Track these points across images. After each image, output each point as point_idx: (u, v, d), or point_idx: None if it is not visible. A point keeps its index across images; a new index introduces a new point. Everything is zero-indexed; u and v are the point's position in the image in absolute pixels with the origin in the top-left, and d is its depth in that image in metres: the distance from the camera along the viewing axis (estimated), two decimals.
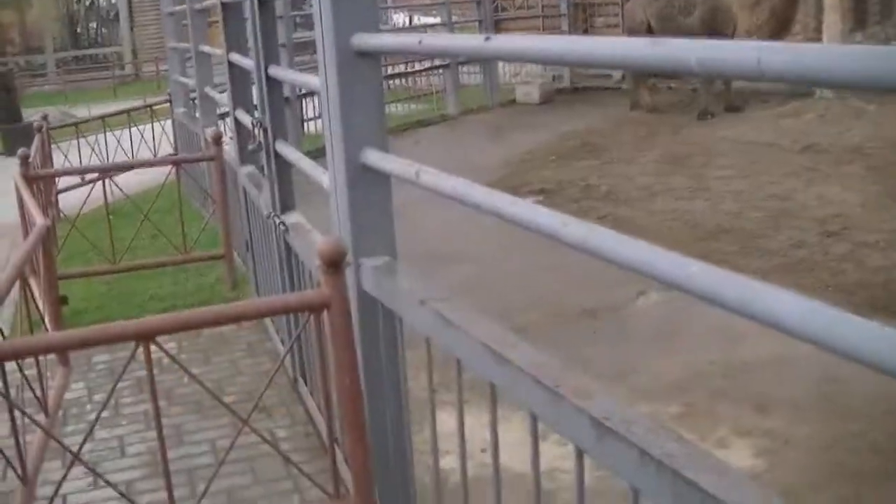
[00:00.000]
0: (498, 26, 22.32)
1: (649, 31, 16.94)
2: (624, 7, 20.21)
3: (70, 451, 4.05)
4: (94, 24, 48.98)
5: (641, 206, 10.66)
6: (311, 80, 4.38)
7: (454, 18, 21.63)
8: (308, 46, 17.55)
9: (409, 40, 3.72)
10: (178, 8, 13.21)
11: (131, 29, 43.06)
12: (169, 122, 14.72)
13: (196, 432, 5.66)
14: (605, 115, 17.33)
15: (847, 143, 12.71)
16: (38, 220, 5.86)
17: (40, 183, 8.74)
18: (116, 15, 45.77)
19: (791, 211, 9.86)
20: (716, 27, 16.13)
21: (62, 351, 5.20)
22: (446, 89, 20.18)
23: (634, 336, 6.97)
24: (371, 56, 3.65)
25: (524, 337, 2.89)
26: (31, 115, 23.19)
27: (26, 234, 7.53)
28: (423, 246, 9.11)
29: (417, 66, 21.51)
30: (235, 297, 8.03)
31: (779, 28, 15.84)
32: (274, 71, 5.52)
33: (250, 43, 5.96)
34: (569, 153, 14.20)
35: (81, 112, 22.73)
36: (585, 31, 22.09)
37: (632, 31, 17.63)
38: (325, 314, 3.64)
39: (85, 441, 3.95)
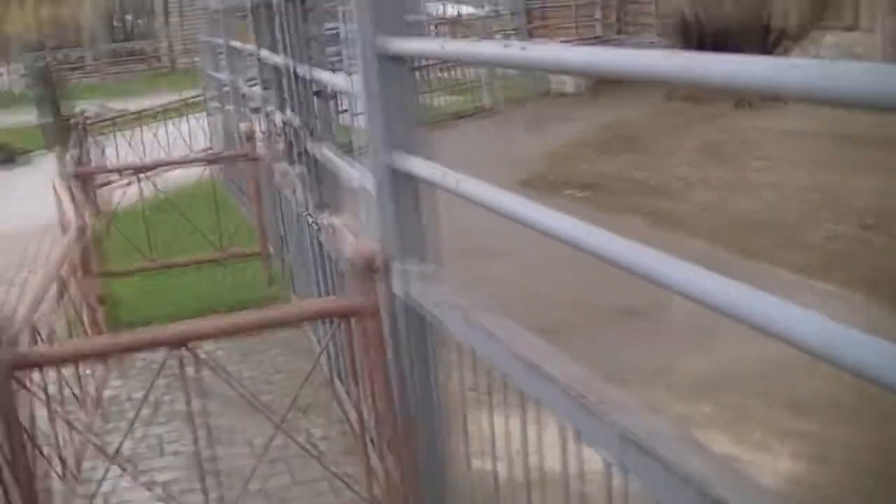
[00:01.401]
0: (530, 14, 22.22)
1: (684, 19, 16.68)
2: None
3: (105, 454, 4.09)
4: (129, 17, 49.26)
5: (680, 198, 10.61)
6: (339, 82, 4.37)
7: (486, 7, 21.57)
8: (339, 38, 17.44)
9: (432, 46, 3.71)
10: (211, 4, 13.25)
11: (166, 22, 43.25)
12: (204, 115, 14.81)
13: (235, 431, 5.66)
14: (640, 105, 17.20)
15: (886, 132, 12.57)
16: (74, 221, 5.89)
17: (79, 180, 8.78)
18: (152, 7, 46.06)
19: (828, 203, 9.77)
20: (750, 11, 15.79)
21: (102, 357, 5.24)
22: (482, 80, 20.07)
23: (670, 335, 6.91)
24: (400, 59, 3.64)
25: (559, 336, 2.89)
26: (72, 107, 23.30)
27: (64, 233, 7.59)
28: (454, 241, 9.06)
29: None
30: (273, 294, 8.03)
31: (816, 12, 15.59)
32: (302, 70, 5.51)
33: (279, 41, 5.95)
34: (606, 145, 14.15)
35: (119, 104, 22.81)
36: (619, 20, 21.99)
37: (664, 18, 17.41)
38: (359, 321, 3.64)
39: (123, 442, 4.00)
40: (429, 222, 3.83)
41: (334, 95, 6.22)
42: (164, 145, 14.40)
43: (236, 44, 10.67)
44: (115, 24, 48.23)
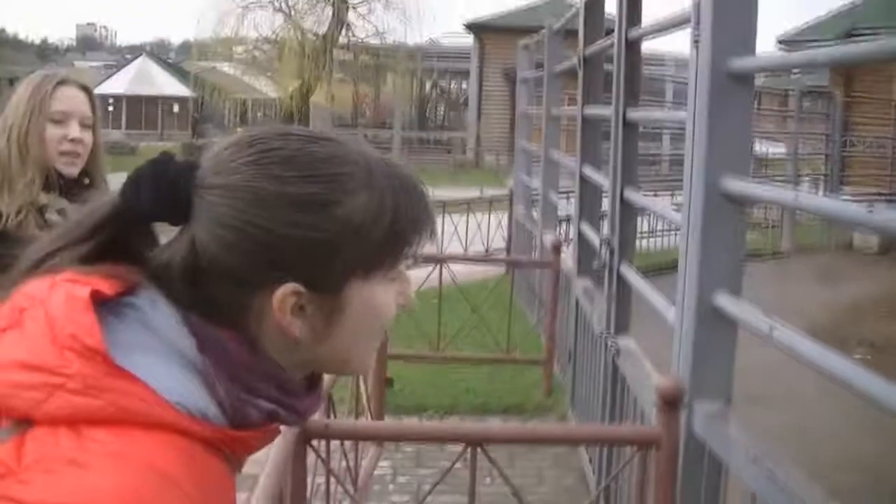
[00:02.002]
0: (844, 162, 21.80)
1: None
2: None
3: None
4: (441, 108, 51.00)
5: None
6: (674, 216, 4.38)
7: (801, 149, 21.25)
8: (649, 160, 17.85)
9: (784, 195, 3.69)
10: (532, 109, 13.58)
11: (478, 118, 44.48)
12: (505, 215, 15.11)
13: None
14: None
15: None
16: None
17: None
18: (465, 102, 47.55)
19: None
20: None
21: (393, 439, 5.39)
22: (782, 223, 19.78)
23: None
24: (738, 202, 3.63)
25: (839, 500, 2.82)
26: None
27: None
28: (737, 383, 8.89)
29: None
30: (550, 405, 8.07)
31: None
32: (632, 195, 5.54)
33: (608, 159, 6.01)
34: None
35: None
36: None
37: None
38: (651, 452, 3.64)
39: None
40: (731, 364, 3.81)
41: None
42: (462, 237, 14.74)
43: (556, 154, 10.89)
44: (427, 112, 50.04)
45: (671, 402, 3.52)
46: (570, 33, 10.84)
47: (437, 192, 18.11)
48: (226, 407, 1.24)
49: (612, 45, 5.97)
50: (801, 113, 21.58)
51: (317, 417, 3.80)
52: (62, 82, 3.54)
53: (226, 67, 45.67)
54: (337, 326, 1.30)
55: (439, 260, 8.96)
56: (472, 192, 18.05)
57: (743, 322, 3.48)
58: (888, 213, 2.61)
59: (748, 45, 3.59)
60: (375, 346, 1.39)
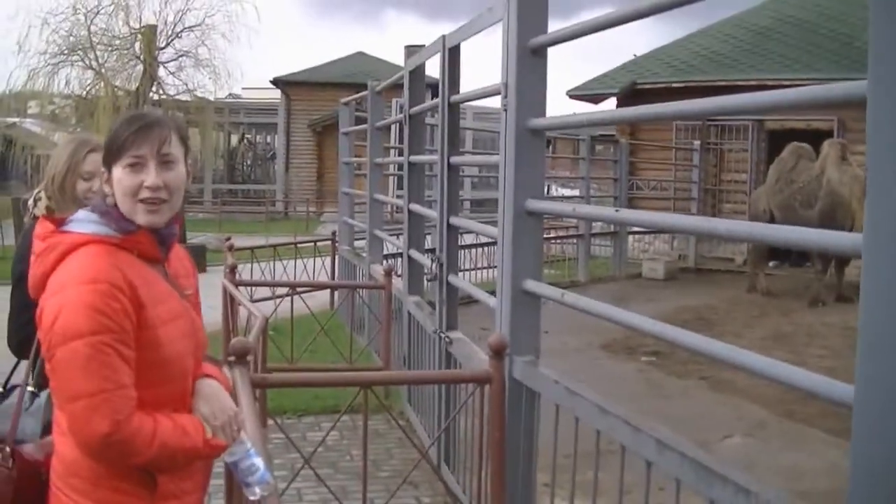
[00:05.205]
0: (631, 203, 23.48)
1: (771, 221, 17.55)
2: (750, 195, 21.49)
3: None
4: (250, 162, 51.96)
5: (742, 373, 11.81)
6: (491, 230, 6.00)
7: (592, 192, 22.91)
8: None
9: (566, 207, 5.39)
10: (354, 159, 15.15)
11: (286, 170, 45.77)
12: (326, 257, 16.60)
13: (357, 492, 7.09)
14: (722, 295, 18.55)
15: None
16: (258, 314, 7.47)
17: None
18: (273, 155, 48.69)
19: None
20: (835, 221, 16.66)
21: (306, 385, 6.66)
22: (578, 257, 21.75)
23: None
24: (536, 216, 5.29)
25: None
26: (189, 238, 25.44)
27: (228, 332, 9.22)
28: None
29: (553, 234, 22.67)
30: (389, 404, 9.41)
31: None
32: (456, 220, 7.18)
33: (434, 195, 7.61)
34: (683, 324, 15.34)
35: (238, 242, 24.66)
36: (713, 214, 23.42)
37: (754, 219, 18.36)
38: (486, 388, 5.23)
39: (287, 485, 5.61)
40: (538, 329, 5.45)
41: (462, 248, 7.73)
42: (290, 277, 16.11)
43: (380, 196, 12.50)
44: (236, 166, 51.01)
45: (498, 351, 5.14)
46: (387, 91, 12.51)
47: (250, 241, 19.45)
48: (118, 230, 2.97)
49: (435, 107, 7.62)
50: (592, 157, 23.03)
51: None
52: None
53: (27, 123, 45.52)
54: (116, 188, 3.02)
55: (293, 287, 10.40)
56: (288, 240, 19.38)
57: (544, 295, 5.14)
58: (627, 212, 4.31)
59: (541, 110, 5.27)
60: (136, 206, 2.99)
